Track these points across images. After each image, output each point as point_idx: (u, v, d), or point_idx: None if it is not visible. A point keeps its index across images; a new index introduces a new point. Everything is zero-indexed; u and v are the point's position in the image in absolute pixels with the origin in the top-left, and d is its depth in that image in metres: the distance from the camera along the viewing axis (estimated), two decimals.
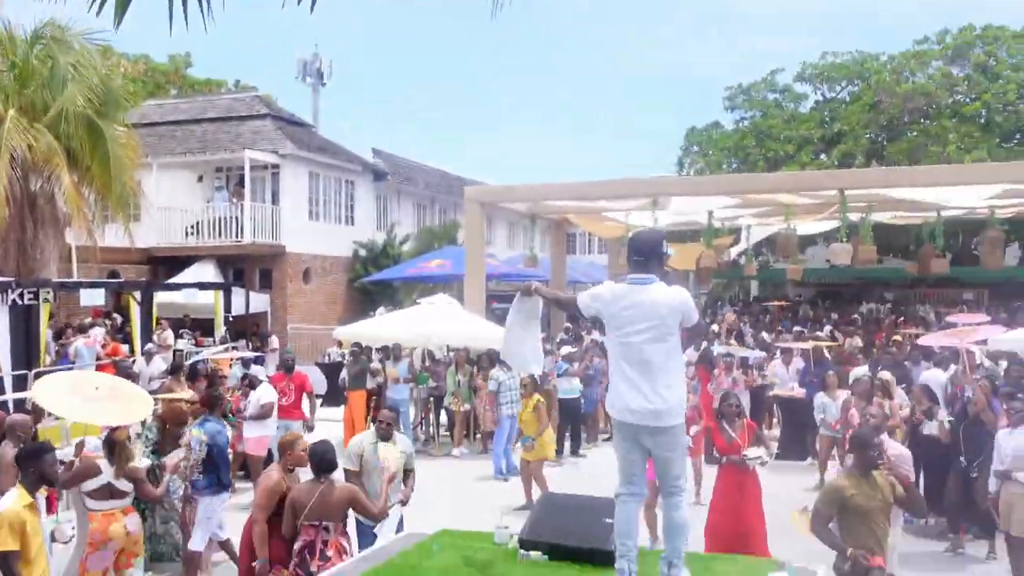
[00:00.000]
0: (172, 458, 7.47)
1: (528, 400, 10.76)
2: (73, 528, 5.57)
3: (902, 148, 26.29)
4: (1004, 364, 11.77)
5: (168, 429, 8.58)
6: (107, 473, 6.43)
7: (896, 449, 7.32)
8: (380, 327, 15.21)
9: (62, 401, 6.64)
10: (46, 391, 6.79)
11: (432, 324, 14.13)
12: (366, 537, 6.48)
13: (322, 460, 5.94)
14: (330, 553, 5.73)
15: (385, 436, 6.95)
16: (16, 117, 15.01)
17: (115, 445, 6.49)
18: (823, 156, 28.64)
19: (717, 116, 33.93)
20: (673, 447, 4.52)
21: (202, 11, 2.06)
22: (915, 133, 27.04)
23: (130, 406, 6.77)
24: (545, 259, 23.08)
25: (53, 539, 6.11)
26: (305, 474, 6.19)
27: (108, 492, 6.44)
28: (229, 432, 10.36)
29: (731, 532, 7.61)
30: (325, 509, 5.77)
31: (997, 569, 8.31)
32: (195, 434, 7.54)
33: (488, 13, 2.33)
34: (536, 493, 9.78)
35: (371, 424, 14.53)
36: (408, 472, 7.03)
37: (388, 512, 6.41)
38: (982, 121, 26.46)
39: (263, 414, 10.86)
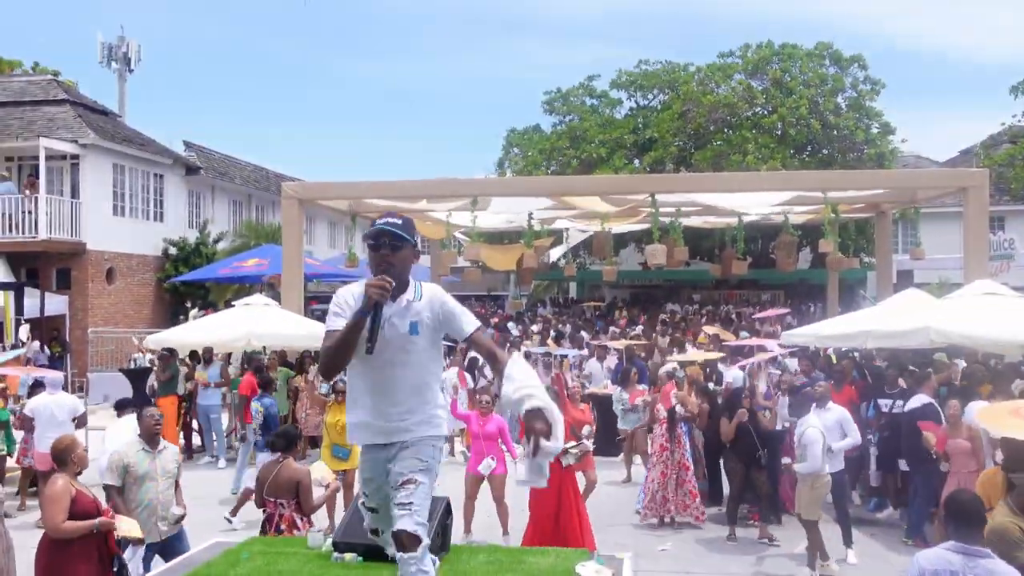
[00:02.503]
0: None
1: (341, 407, 10.03)
2: None
3: (707, 156, 27.77)
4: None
5: None
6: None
7: None
8: (194, 332, 14.49)
9: None
10: None
11: (249, 326, 13.61)
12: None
13: (279, 438, 6.68)
14: (283, 527, 6.35)
15: (152, 440, 6.35)
16: None
17: None
18: (636, 161, 29.84)
19: (538, 120, 34.52)
20: None
21: None
22: (719, 142, 28.62)
23: None
24: (365, 259, 22.81)
25: None
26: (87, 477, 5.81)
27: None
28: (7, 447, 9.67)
29: (551, 523, 7.77)
30: (276, 486, 6.43)
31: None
32: (254, 406, 10.50)
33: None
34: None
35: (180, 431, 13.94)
36: (176, 481, 6.53)
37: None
38: (778, 133, 28.40)
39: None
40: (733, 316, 26.43)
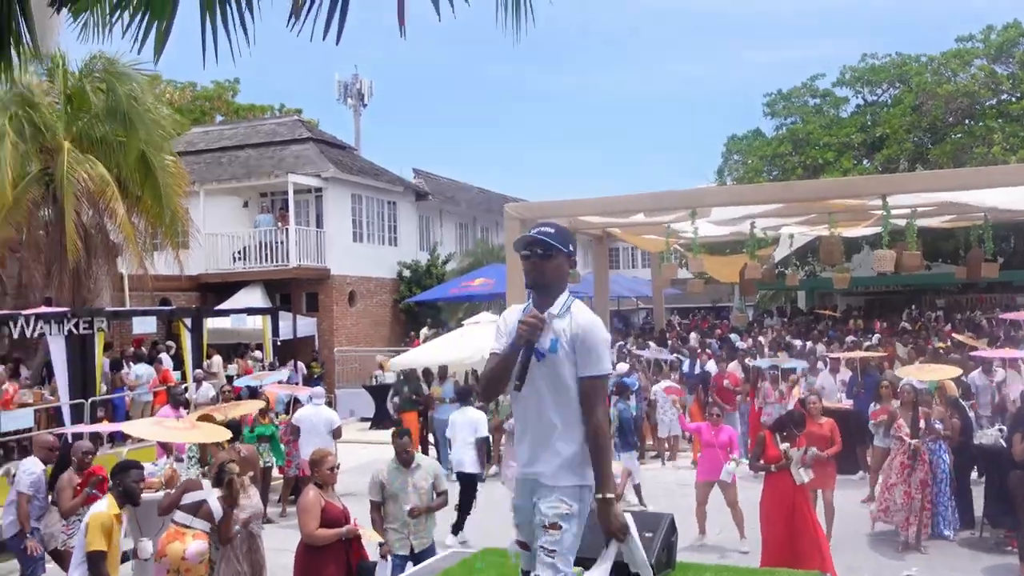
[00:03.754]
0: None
1: None
2: (152, 550, 5.84)
3: (946, 151, 25.83)
4: None
5: (207, 448, 8.79)
6: (206, 491, 6.55)
7: None
8: (431, 351, 15.34)
9: (150, 429, 7.77)
10: (134, 426, 8.09)
11: (477, 343, 14.22)
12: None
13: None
14: None
15: (405, 461, 6.79)
16: (71, 149, 15.51)
17: (222, 469, 6.59)
18: (865, 161, 28.28)
19: (759, 123, 33.56)
20: None
21: (229, 42, 2.14)
22: (959, 135, 26.57)
23: (211, 432, 7.68)
24: (588, 275, 23.10)
25: (134, 555, 6.34)
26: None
27: (193, 509, 6.52)
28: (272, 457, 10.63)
29: (784, 543, 7.55)
30: None
31: None
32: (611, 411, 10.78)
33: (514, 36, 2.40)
34: None
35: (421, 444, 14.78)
36: (440, 494, 6.89)
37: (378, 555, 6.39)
38: None
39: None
40: (983, 322, 24.34)
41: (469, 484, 10.30)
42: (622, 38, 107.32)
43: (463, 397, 11.58)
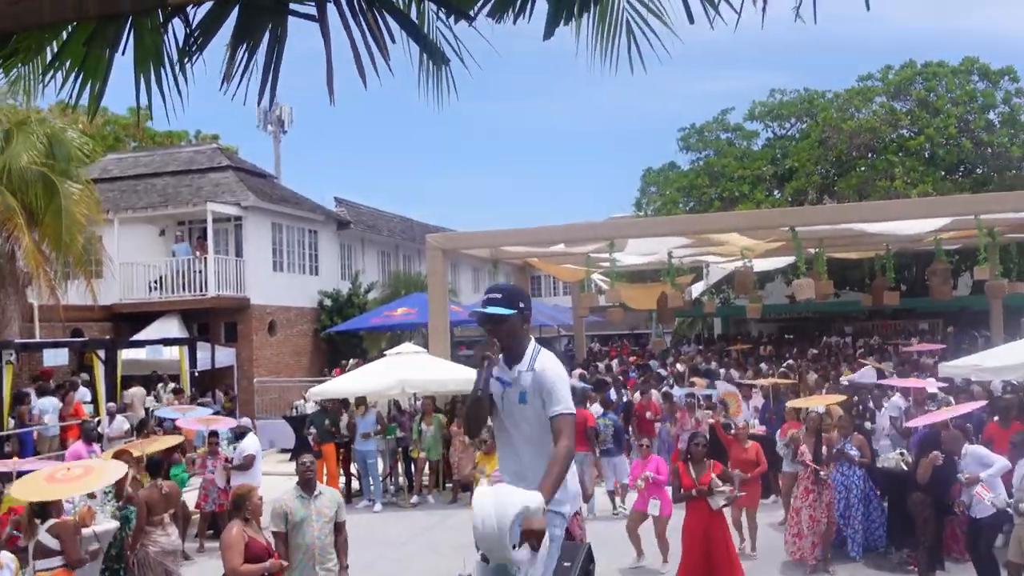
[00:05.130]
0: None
1: (489, 458, 10.39)
2: None
3: (851, 183, 26.98)
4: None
5: (120, 484, 8.68)
6: (38, 532, 6.81)
7: None
8: (351, 382, 15.26)
9: (38, 488, 7.14)
10: (23, 487, 7.30)
11: (401, 374, 14.22)
12: None
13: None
14: None
15: (307, 485, 6.67)
16: None
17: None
18: (776, 193, 29.32)
19: (673, 157, 34.43)
20: None
21: (164, 102, 2.25)
22: (863, 168, 27.76)
23: (103, 475, 7.45)
24: None
25: None
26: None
27: (39, 551, 6.78)
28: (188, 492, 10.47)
29: (700, 563, 7.83)
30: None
31: None
32: (601, 422, 12.48)
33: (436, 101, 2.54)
34: None
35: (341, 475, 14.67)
36: (339, 525, 6.76)
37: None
38: (926, 155, 27.31)
39: (245, 464, 11.22)
40: (888, 348, 25.36)
41: None
42: (545, 66, 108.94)
43: None
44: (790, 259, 18.19)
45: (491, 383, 3.85)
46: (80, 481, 7.22)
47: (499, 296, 3.82)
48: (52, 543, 6.69)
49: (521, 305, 3.86)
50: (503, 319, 3.79)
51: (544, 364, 3.84)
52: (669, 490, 9.16)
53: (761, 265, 20.33)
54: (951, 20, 74.67)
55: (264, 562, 6.08)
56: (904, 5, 70.91)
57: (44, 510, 6.95)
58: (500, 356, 3.83)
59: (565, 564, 5.21)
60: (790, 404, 12.01)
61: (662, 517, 9.41)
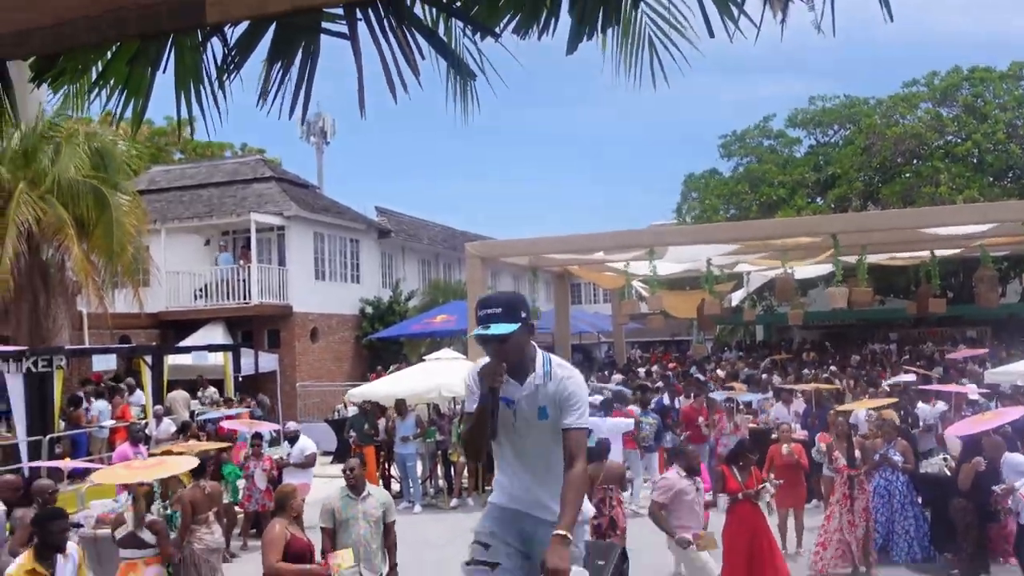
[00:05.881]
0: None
1: None
2: None
3: (895, 190, 26.64)
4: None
5: (168, 483, 8.90)
6: (129, 523, 7.12)
7: None
8: (391, 385, 15.48)
9: (119, 474, 8.34)
10: (105, 475, 8.59)
11: (439, 378, 14.40)
12: None
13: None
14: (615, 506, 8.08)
15: (355, 487, 6.81)
16: (24, 190, 15.50)
17: (135, 499, 7.21)
18: (819, 200, 29.03)
19: (715, 163, 34.34)
20: None
21: (204, 118, 2.36)
22: (908, 175, 27.41)
23: (177, 465, 8.13)
24: (549, 311, 23.39)
25: None
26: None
27: (131, 541, 7.09)
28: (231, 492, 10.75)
29: (744, 567, 7.78)
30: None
31: None
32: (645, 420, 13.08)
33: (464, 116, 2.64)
34: None
35: (380, 479, 14.86)
36: (388, 526, 6.88)
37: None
38: (973, 161, 26.87)
39: (308, 462, 11.85)
40: (934, 355, 24.98)
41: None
42: (587, 72, 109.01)
43: (607, 406, 13.33)
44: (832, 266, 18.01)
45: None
46: (156, 468, 7.82)
47: (499, 311, 3.40)
48: (148, 537, 7.07)
49: (524, 316, 3.47)
50: (507, 337, 3.39)
51: (565, 372, 3.53)
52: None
53: (803, 272, 20.14)
54: (998, 25, 73.36)
55: (305, 561, 6.23)
56: (949, 10, 69.84)
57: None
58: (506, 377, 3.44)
59: (599, 563, 5.30)
60: (837, 408, 11.89)
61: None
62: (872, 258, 17.23)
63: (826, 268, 20.42)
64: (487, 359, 3.45)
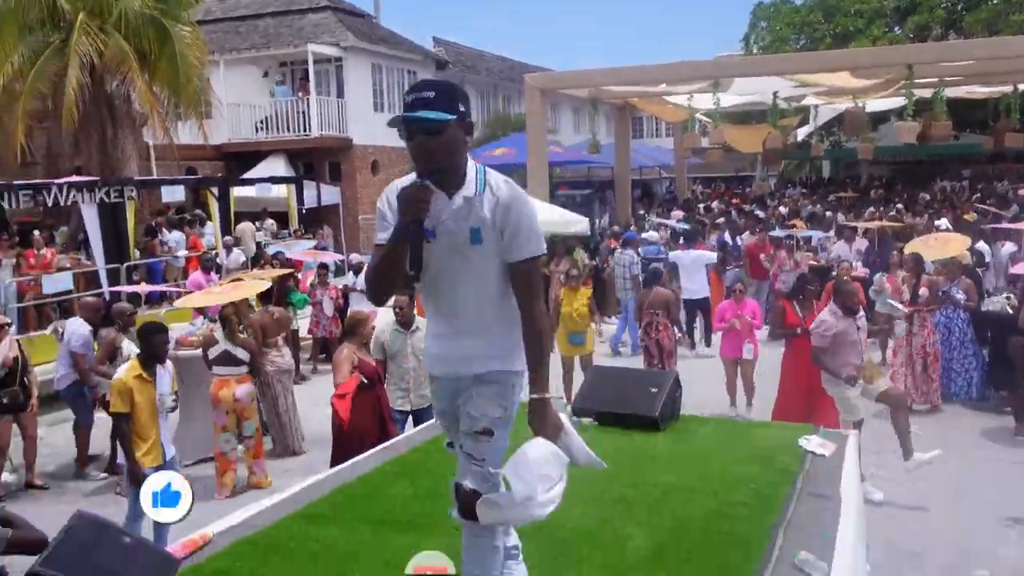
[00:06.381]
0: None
1: (574, 293, 9.77)
2: (175, 400, 6.17)
3: (980, 17, 25.04)
4: None
5: (239, 309, 9.29)
6: (223, 343, 7.55)
7: None
8: None
9: (198, 299, 9.04)
10: (186, 300, 9.48)
11: None
12: None
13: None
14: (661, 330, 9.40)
15: (404, 323, 6.87)
16: (85, 20, 15.45)
17: (224, 320, 7.62)
18: (896, 28, 27.49)
19: None
20: None
21: None
22: (995, 1, 25.67)
23: (251, 287, 8.83)
24: (609, 145, 23.05)
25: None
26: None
27: (226, 359, 7.54)
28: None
29: (801, 398, 7.92)
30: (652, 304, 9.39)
31: None
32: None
33: None
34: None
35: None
36: None
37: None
38: None
39: None
40: (1008, 193, 24.19)
41: (704, 308, 12.45)
42: None
43: (690, 238, 13.58)
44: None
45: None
46: (234, 292, 8.32)
47: (431, 95, 2.57)
48: (241, 354, 7.56)
49: (462, 109, 2.64)
50: (440, 128, 2.59)
51: (509, 192, 2.71)
52: (757, 333, 9.31)
53: (875, 104, 19.36)
54: None
55: (374, 382, 6.54)
56: None
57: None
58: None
59: (652, 390, 5.51)
60: (909, 246, 11.53)
61: (753, 360, 9.43)
62: (948, 92, 16.43)
63: (897, 102, 19.61)
64: (412, 178, 2.66)
